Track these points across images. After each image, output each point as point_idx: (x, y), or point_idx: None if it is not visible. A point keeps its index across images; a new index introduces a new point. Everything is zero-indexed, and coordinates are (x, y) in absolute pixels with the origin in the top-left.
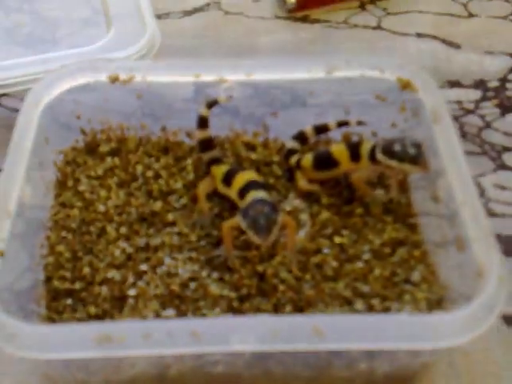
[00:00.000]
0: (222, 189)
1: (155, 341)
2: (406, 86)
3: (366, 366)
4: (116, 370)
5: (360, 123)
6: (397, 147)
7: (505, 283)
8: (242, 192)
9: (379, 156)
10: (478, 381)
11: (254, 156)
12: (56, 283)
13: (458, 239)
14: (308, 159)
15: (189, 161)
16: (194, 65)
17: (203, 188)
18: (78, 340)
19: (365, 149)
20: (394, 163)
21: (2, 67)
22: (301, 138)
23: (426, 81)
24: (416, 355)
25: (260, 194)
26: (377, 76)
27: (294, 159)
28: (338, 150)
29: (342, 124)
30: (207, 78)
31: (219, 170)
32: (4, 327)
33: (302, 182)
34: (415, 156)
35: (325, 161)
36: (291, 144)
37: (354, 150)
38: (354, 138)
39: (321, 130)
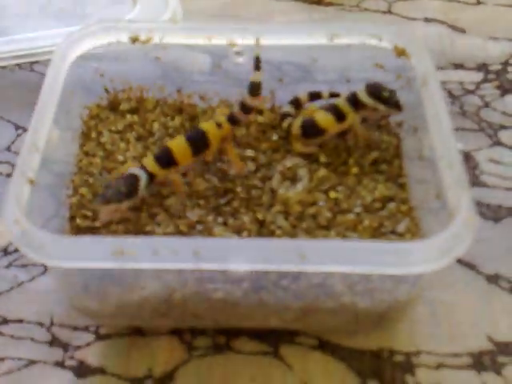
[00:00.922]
0: None
1: (162, 256)
2: (401, 53)
3: (348, 300)
4: (128, 292)
5: (332, 95)
6: (384, 93)
7: (473, 222)
8: None
9: (366, 99)
10: (457, 329)
11: (260, 119)
12: (78, 221)
13: (437, 190)
14: (297, 129)
15: (201, 120)
16: (207, 28)
17: (232, 149)
18: (96, 251)
19: (344, 105)
20: (381, 106)
21: (34, 37)
22: (296, 103)
23: (419, 48)
24: (392, 291)
25: None
26: (375, 44)
27: (286, 123)
28: (322, 118)
29: (334, 95)
30: (218, 41)
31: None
32: (33, 239)
33: (298, 145)
34: (397, 101)
35: (311, 129)
36: (286, 108)
37: (336, 111)
38: None
39: (314, 96)
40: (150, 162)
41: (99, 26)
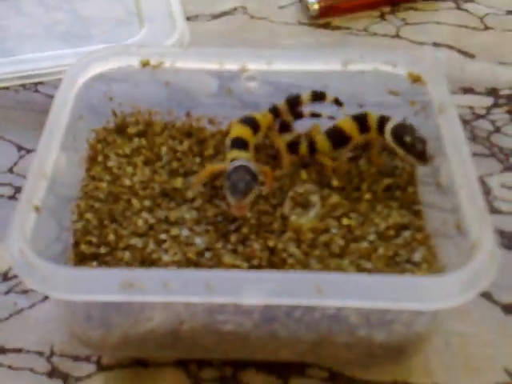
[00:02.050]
0: None
1: (172, 289)
2: (416, 80)
3: (364, 333)
4: (134, 324)
5: (336, 101)
6: (407, 138)
7: (495, 257)
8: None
9: (388, 137)
10: (472, 362)
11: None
12: (83, 247)
13: (457, 220)
14: (324, 142)
15: (210, 144)
16: (219, 53)
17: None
18: (103, 284)
19: (372, 120)
20: (400, 151)
21: (39, 58)
22: (274, 111)
23: (435, 75)
24: (410, 324)
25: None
26: (389, 70)
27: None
28: (348, 125)
29: (317, 98)
30: (230, 66)
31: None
32: (37, 270)
33: (326, 160)
34: (421, 151)
35: (339, 138)
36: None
37: (362, 121)
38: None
39: (293, 103)
40: (235, 152)
41: (110, 49)
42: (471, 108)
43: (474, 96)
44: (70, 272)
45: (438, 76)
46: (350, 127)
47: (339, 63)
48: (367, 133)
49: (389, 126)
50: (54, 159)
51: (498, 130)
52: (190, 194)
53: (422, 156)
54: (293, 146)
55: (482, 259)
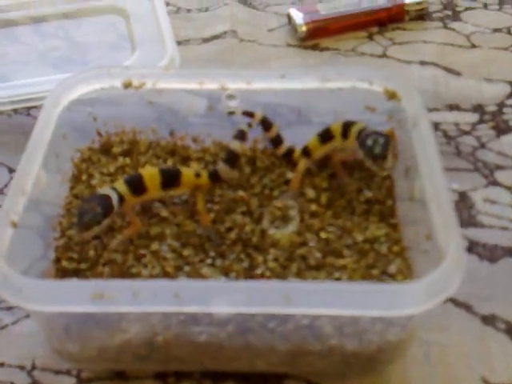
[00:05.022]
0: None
1: (142, 299)
2: (391, 96)
3: (336, 342)
4: (110, 335)
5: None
6: (369, 141)
7: (462, 262)
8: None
9: (353, 140)
10: (451, 371)
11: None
12: (64, 263)
13: (427, 230)
14: (314, 139)
15: (193, 162)
16: (199, 73)
17: (202, 201)
18: (75, 295)
19: (354, 129)
20: (361, 154)
21: (31, 83)
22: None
23: (409, 90)
24: (382, 334)
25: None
26: (366, 87)
27: (282, 149)
28: (335, 126)
29: (247, 114)
30: (210, 86)
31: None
32: (11, 282)
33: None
34: (379, 155)
35: (325, 135)
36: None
37: (346, 128)
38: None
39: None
40: (120, 184)
41: (93, 71)
42: (457, 124)
43: (460, 113)
44: (43, 284)
45: (411, 91)
46: (335, 128)
47: (317, 81)
48: (346, 139)
49: (354, 130)
50: (34, 177)
51: (483, 145)
52: (164, 213)
53: (379, 160)
54: (288, 155)
55: (447, 266)
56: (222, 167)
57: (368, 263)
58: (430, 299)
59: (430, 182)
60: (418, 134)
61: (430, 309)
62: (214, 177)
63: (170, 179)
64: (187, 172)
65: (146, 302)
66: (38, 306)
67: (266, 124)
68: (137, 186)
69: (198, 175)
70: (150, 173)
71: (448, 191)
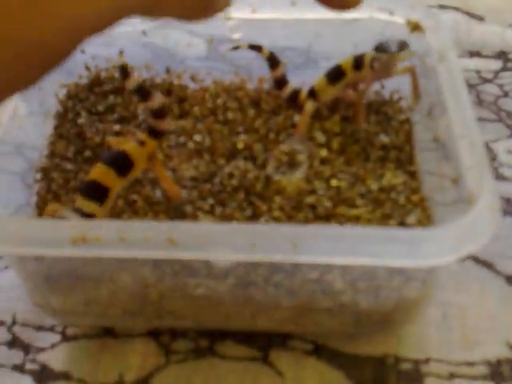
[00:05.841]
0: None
1: (130, 243)
2: (414, 27)
3: (349, 299)
4: (96, 285)
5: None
6: (386, 44)
7: (496, 209)
8: None
9: (368, 67)
10: (471, 335)
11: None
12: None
13: (454, 173)
14: (321, 79)
15: (191, 103)
16: None
17: (162, 170)
18: (52, 236)
19: (368, 56)
20: (384, 56)
21: None
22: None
23: (435, 22)
24: (400, 290)
25: None
26: (385, 18)
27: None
28: (345, 61)
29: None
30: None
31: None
32: None
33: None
34: (401, 45)
35: (334, 73)
36: None
37: (358, 59)
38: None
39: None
40: (83, 202)
41: None
42: (478, 72)
43: (482, 59)
44: (15, 222)
45: (437, 22)
46: (346, 63)
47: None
48: (360, 69)
49: (367, 57)
50: (12, 106)
51: (506, 94)
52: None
53: (396, 49)
54: (294, 97)
55: (479, 212)
56: (151, 121)
57: (384, 213)
58: (457, 249)
59: (458, 117)
60: (445, 68)
61: (458, 260)
62: (154, 132)
63: (121, 165)
64: (132, 147)
65: (135, 246)
66: (9, 248)
67: (272, 61)
68: (99, 192)
69: (141, 143)
70: (100, 172)
71: (478, 130)
